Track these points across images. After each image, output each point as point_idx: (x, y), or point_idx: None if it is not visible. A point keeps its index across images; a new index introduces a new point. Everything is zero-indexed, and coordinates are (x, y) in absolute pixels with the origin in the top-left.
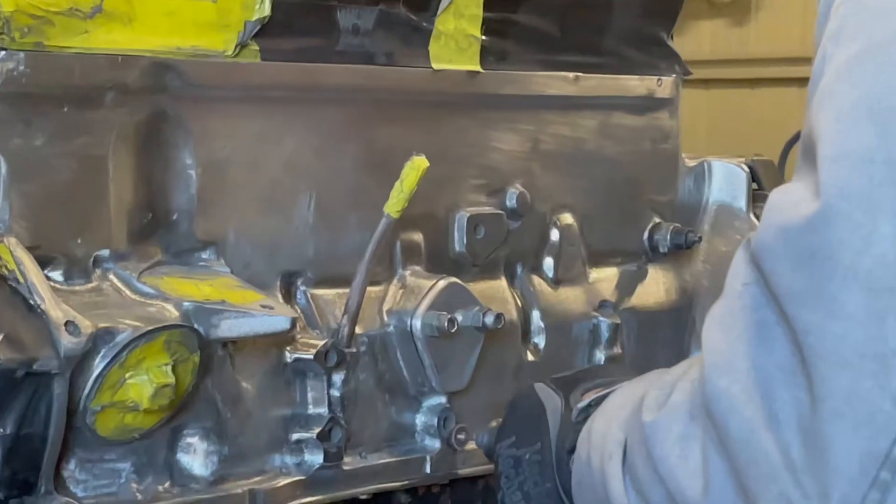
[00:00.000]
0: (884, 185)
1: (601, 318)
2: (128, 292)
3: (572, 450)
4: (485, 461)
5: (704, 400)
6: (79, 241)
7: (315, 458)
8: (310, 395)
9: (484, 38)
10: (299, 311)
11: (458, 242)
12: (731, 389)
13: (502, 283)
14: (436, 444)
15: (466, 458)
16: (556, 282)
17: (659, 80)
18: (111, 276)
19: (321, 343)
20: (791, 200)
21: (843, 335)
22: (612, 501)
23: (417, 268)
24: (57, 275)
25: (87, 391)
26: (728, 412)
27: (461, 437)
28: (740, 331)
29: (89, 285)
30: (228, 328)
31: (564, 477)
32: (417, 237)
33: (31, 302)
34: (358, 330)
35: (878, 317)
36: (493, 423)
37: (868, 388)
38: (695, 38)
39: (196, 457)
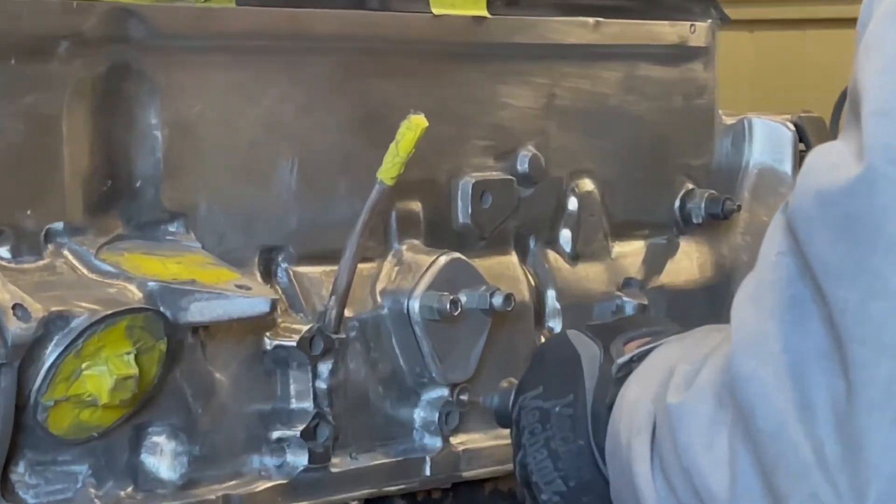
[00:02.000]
0: None
1: (626, 299)
2: (84, 271)
3: (611, 406)
4: (492, 462)
5: (731, 383)
6: (28, 212)
7: (299, 459)
8: (293, 387)
9: None
10: (280, 291)
11: (462, 212)
12: (759, 373)
13: (513, 258)
14: (436, 442)
15: (471, 458)
16: (574, 257)
17: (692, 25)
18: (65, 253)
19: (305, 328)
20: (831, 161)
21: (884, 317)
22: (638, 484)
23: (416, 242)
24: (4, 251)
25: (38, 384)
26: (756, 399)
27: (463, 397)
28: (773, 307)
29: (40, 263)
30: (199, 311)
31: (600, 436)
32: (415, 207)
33: None
34: (347, 313)
35: None
36: (505, 384)
37: None
38: None
39: (163, 458)
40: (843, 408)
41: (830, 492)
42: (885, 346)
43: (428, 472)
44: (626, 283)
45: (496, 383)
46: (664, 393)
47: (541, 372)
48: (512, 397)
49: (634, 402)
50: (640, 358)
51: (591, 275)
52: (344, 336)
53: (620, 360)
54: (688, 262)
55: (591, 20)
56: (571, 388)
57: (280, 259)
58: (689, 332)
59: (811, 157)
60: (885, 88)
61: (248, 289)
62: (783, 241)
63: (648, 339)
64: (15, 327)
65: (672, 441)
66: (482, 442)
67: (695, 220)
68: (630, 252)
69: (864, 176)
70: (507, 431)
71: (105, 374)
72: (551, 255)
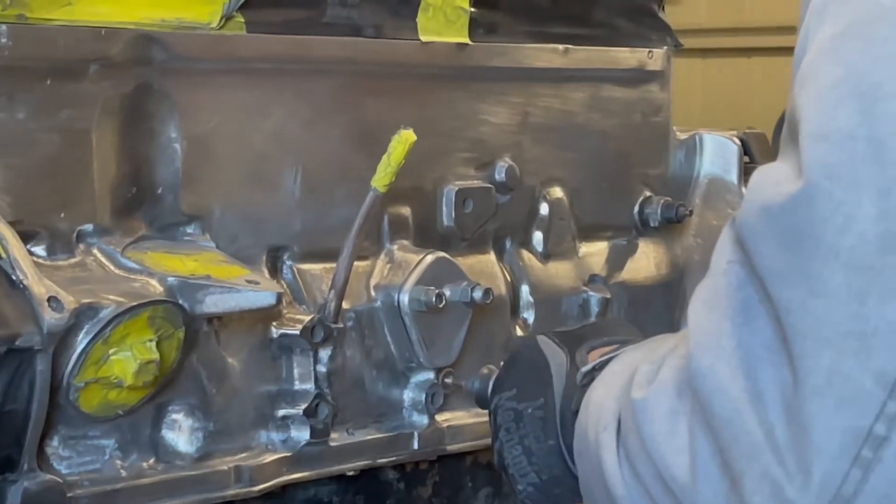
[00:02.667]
0: (866, 162)
1: (591, 293)
2: (112, 267)
3: (577, 411)
4: (473, 437)
5: (690, 378)
6: (62, 215)
7: (301, 434)
8: (296, 370)
9: (473, 9)
10: (285, 286)
11: (447, 216)
12: (715, 367)
13: (491, 257)
14: (423, 420)
15: (454, 434)
16: (545, 256)
17: (650, 52)
18: (95, 251)
19: (308, 318)
20: (773, 180)
21: (824, 313)
22: (606, 473)
23: (405, 242)
24: (40, 249)
25: (70, 367)
26: (713, 390)
27: (447, 380)
28: (725, 309)
29: (73, 260)
30: (213, 303)
31: (568, 437)
32: (405, 211)
33: (14, 277)
34: (345, 305)
35: (860, 295)
36: (485, 370)
37: (849, 367)
38: (690, 7)
39: (181, 433)
40: (791, 395)
41: (780, 470)
42: (825, 339)
43: (416, 446)
44: (592, 280)
45: (477, 368)
46: (628, 390)
47: (515, 375)
48: (490, 387)
49: (599, 402)
50: (602, 366)
51: (560, 272)
52: (342, 326)
53: (584, 369)
54: (646, 261)
55: (560, 47)
56: (542, 392)
57: (285, 257)
58: (646, 340)
59: (756, 177)
60: (822, 113)
61: (257, 283)
62: (732, 251)
63: (610, 349)
64: (50, 317)
65: (637, 432)
66: (464, 419)
67: (652, 224)
68: (595, 252)
69: (804, 191)
70: (485, 411)
71: (130, 359)
72: (525, 254)
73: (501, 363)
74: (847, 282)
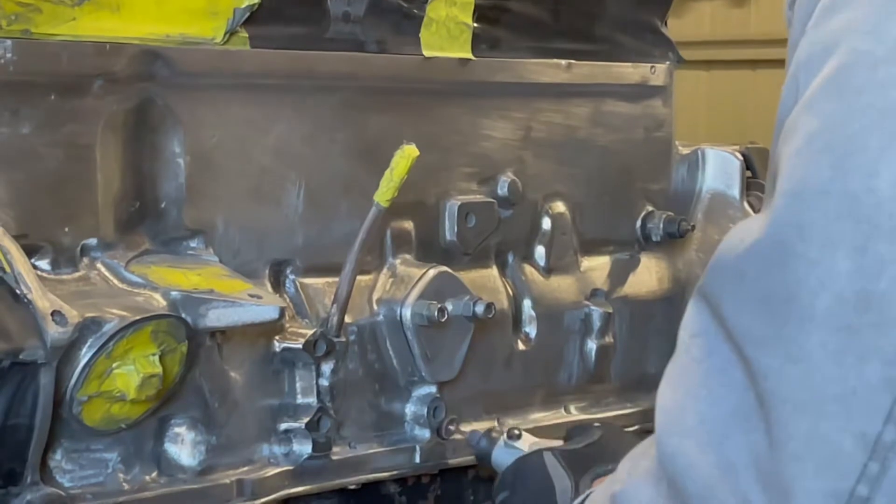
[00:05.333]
0: (840, 218)
1: (593, 307)
2: (115, 281)
3: None
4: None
5: (660, 461)
6: (66, 229)
7: (303, 447)
8: (298, 384)
9: (476, 25)
10: (288, 300)
11: (449, 231)
12: (683, 446)
13: (493, 271)
14: (425, 433)
15: (456, 448)
16: (547, 270)
17: (652, 67)
18: (99, 265)
19: (310, 332)
20: (746, 239)
21: (802, 378)
22: None
23: (408, 256)
24: (44, 263)
25: (73, 381)
26: (683, 470)
27: (451, 427)
28: (687, 386)
29: (76, 274)
30: (216, 318)
31: None
32: (408, 226)
33: (18, 291)
34: (347, 319)
35: (837, 356)
36: (491, 428)
37: (828, 429)
38: (695, 19)
39: (183, 447)
40: (766, 461)
41: None
42: (804, 404)
43: (418, 460)
44: (594, 294)
45: (478, 383)
46: (610, 486)
47: (521, 493)
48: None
49: None
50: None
51: (562, 286)
52: (344, 339)
53: (576, 501)
54: (648, 276)
55: (563, 62)
56: None
57: (288, 271)
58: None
59: (730, 235)
60: (797, 170)
61: (260, 298)
62: (694, 323)
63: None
64: (54, 331)
65: None
66: (466, 433)
67: (654, 239)
68: (597, 266)
69: (777, 253)
70: (488, 423)
71: (133, 373)
72: (527, 268)
73: (506, 477)
74: (823, 343)
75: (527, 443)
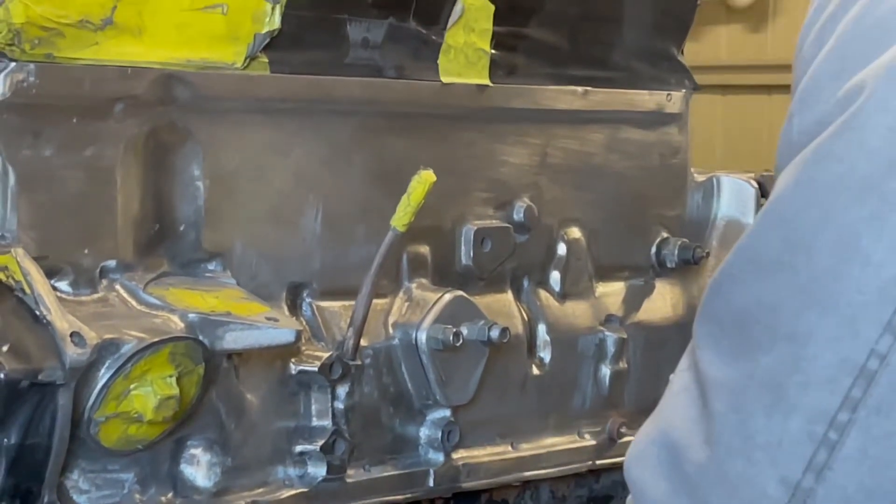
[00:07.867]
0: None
1: (607, 333)
2: (134, 303)
3: None
4: (488, 475)
5: (633, 496)
6: (86, 251)
7: (318, 470)
8: (314, 407)
9: (493, 51)
10: (304, 323)
11: (465, 255)
12: (643, 475)
13: (508, 296)
14: (439, 457)
15: (470, 471)
16: (562, 296)
17: (668, 94)
18: (117, 287)
19: (326, 355)
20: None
21: (738, 426)
22: None
23: (424, 281)
24: (64, 285)
25: (91, 402)
26: (641, 495)
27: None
28: (659, 410)
29: (95, 296)
30: (233, 340)
31: None
32: (424, 250)
33: (37, 312)
34: (363, 342)
35: (768, 409)
36: None
37: (754, 473)
38: (711, 44)
39: (199, 468)
40: (702, 498)
41: None
42: (738, 450)
43: (431, 483)
44: (608, 320)
45: (493, 407)
46: None
47: None
48: None
49: None
50: None
51: (577, 311)
52: (360, 363)
53: None
54: (662, 302)
55: (580, 89)
56: None
57: (305, 294)
58: None
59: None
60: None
61: (277, 320)
62: (685, 359)
63: None
64: (72, 352)
65: None
66: (480, 457)
67: (669, 265)
68: (612, 292)
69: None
70: (502, 447)
71: (150, 394)
72: (542, 293)
73: None
74: (758, 397)
75: None
